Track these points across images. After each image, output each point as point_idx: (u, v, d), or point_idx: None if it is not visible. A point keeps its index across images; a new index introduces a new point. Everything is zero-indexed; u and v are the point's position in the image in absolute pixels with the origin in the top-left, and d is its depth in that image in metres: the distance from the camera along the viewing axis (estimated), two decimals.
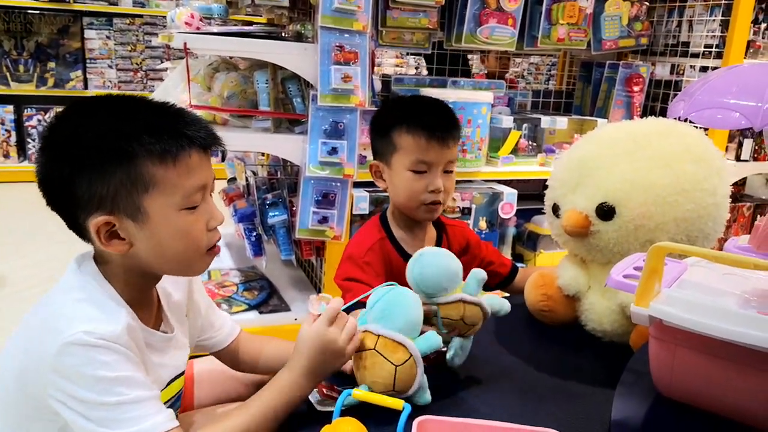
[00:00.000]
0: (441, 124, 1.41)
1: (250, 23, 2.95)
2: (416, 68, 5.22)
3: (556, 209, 1.32)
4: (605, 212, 1.19)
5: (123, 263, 0.94)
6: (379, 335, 0.96)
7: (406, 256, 1.39)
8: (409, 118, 1.40)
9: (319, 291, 2.59)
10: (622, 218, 1.18)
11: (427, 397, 0.99)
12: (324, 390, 1.03)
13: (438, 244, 1.49)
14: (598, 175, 1.22)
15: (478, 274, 1.10)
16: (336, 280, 1.41)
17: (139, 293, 0.99)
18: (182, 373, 1.09)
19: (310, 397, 1.01)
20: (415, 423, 0.79)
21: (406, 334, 0.97)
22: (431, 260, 1.07)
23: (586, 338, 1.27)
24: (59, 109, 3.69)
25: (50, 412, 0.88)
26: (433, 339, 0.99)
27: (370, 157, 2.37)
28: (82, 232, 0.93)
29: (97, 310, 0.90)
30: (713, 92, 0.76)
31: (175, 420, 0.89)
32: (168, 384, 1.03)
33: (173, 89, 2.53)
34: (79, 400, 0.85)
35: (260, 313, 2.41)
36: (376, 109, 2.53)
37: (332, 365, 0.97)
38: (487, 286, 1.19)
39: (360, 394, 0.89)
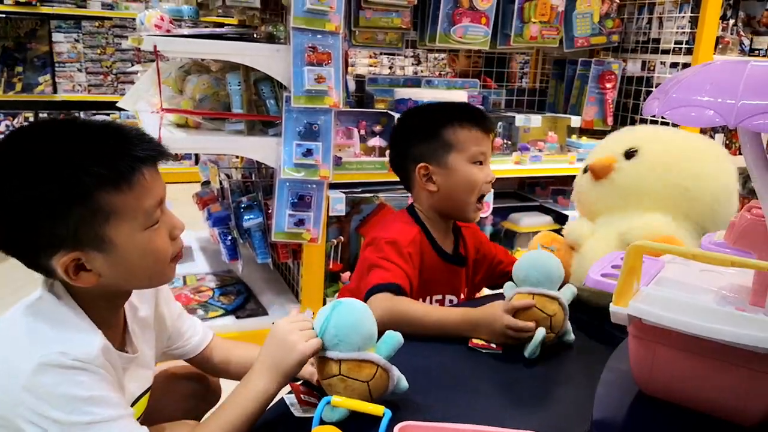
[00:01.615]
0: (485, 116, 1.49)
1: (222, 25, 2.92)
2: (390, 68, 5.21)
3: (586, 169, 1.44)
4: (629, 154, 1.33)
5: (91, 290, 0.91)
6: (339, 360, 0.94)
7: (440, 251, 1.46)
8: (456, 115, 1.45)
9: (296, 294, 2.57)
10: (644, 157, 1.32)
11: (403, 384, 0.98)
12: (302, 396, 1.01)
13: (456, 244, 1.52)
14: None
15: (572, 288, 1.21)
16: (369, 255, 1.38)
17: (108, 314, 0.97)
18: (148, 390, 1.07)
19: (288, 403, 1.00)
20: (396, 429, 0.78)
21: (365, 347, 0.96)
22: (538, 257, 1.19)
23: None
24: (28, 114, 3.63)
25: None
26: (393, 338, 0.97)
27: (346, 158, 2.38)
28: (47, 271, 0.90)
29: (72, 331, 0.88)
30: (687, 90, 0.75)
31: None
32: (134, 403, 1.01)
33: (144, 92, 2.49)
34: (52, 420, 0.82)
35: (237, 318, 2.38)
36: (352, 109, 2.54)
37: (286, 360, 0.94)
38: (497, 285, 1.37)
39: (340, 400, 0.88)
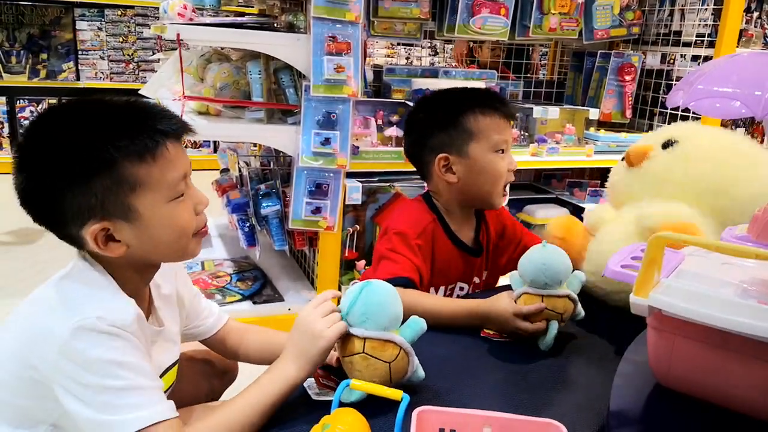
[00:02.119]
0: (506, 102, 1.44)
1: (242, 14, 2.92)
2: (407, 58, 5.20)
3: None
4: (667, 144, 1.30)
5: (120, 261, 0.94)
6: (365, 338, 0.96)
7: (456, 240, 1.43)
8: (476, 102, 1.40)
9: (312, 281, 2.59)
10: (680, 147, 1.28)
11: (420, 373, 0.99)
12: (320, 380, 1.03)
13: (478, 230, 1.49)
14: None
15: (579, 276, 1.19)
16: (380, 246, 1.38)
17: (136, 286, 1.00)
18: (175, 364, 1.09)
19: (306, 387, 1.01)
20: (414, 413, 0.78)
21: (390, 328, 0.97)
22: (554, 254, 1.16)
23: (584, 328, 1.27)
24: (52, 100, 3.70)
25: (50, 398, 0.88)
26: (417, 324, 0.99)
27: (363, 147, 2.39)
28: (76, 241, 0.93)
29: (108, 297, 0.91)
30: (712, 81, 0.75)
31: (175, 411, 0.89)
32: (162, 374, 1.04)
33: (166, 80, 2.51)
34: (83, 385, 0.85)
35: (254, 303, 2.41)
36: (370, 99, 2.55)
37: (313, 348, 0.95)
38: None
39: (359, 384, 0.89)
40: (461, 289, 1.47)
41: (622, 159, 1.40)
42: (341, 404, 0.88)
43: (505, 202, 1.47)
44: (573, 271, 1.18)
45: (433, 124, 1.42)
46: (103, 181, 0.88)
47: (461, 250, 1.45)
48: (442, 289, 1.44)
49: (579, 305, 1.17)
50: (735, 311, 0.74)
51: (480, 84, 2.70)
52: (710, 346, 0.80)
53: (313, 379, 1.02)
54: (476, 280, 1.51)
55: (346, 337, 0.97)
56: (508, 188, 1.56)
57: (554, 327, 1.14)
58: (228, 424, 0.91)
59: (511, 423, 0.79)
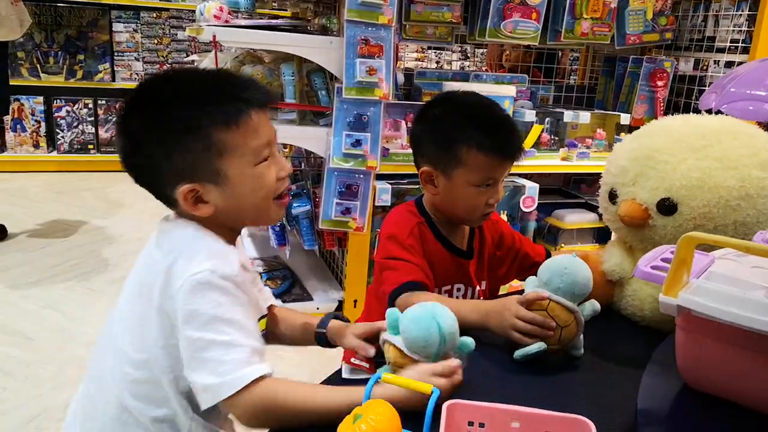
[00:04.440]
0: (513, 143, 1.36)
1: (276, 17, 2.97)
2: (437, 62, 5.22)
3: (613, 196, 1.31)
4: (667, 208, 1.19)
5: (208, 221, 1.01)
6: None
7: (445, 242, 1.41)
8: (480, 136, 1.30)
9: (340, 282, 2.61)
10: (683, 216, 1.18)
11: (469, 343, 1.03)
12: (352, 359, 1.06)
13: (471, 237, 1.47)
14: (663, 169, 1.21)
15: (594, 305, 1.13)
16: (377, 258, 1.39)
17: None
18: (265, 316, 1.17)
19: (343, 369, 1.06)
20: (444, 406, 0.80)
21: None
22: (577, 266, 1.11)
23: (614, 327, 1.27)
24: (88, 100, 3.77)
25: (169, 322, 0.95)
26: (467, 346, 1.03)
27: (393, 149, 2.41)
28: (170, 201, 1.01)
29: (218, 247, 0.99)
30: (745, 84, 0.76)
31: (270, 368, 0.94)
32: (259, 320, 1.10)
33: None
34: (185, 336, 0.92)
35: (283, 302, 2.44)
36: (400, 102, 2.57)
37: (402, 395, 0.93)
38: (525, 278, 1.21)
39: (390, 377, 0.91)
40: (458, 290, 1.45)
41: (611, 199, 1.32)
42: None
43: (481, 223, 1.43)
44: (591, 299, 1.13)
45: (430, 135, 1.38)
46: (193, 145, 0.96)
47: (451, 252, 1.42)
48: (436, 290, 1.41)
49: (581, 338, 1.11)
50: (764, 312, 0.75)
51: (511, 87, 2.71)
52: (739, 348, 0.81)
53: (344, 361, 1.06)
54: (476, 288, 1.47)
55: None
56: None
57: (536, 346, 1.08)
58: (312, 401, 0.93)
59: (540, 417, 0.80)
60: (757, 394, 0.83)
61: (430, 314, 0.98)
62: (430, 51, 5.16)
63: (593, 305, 1.11)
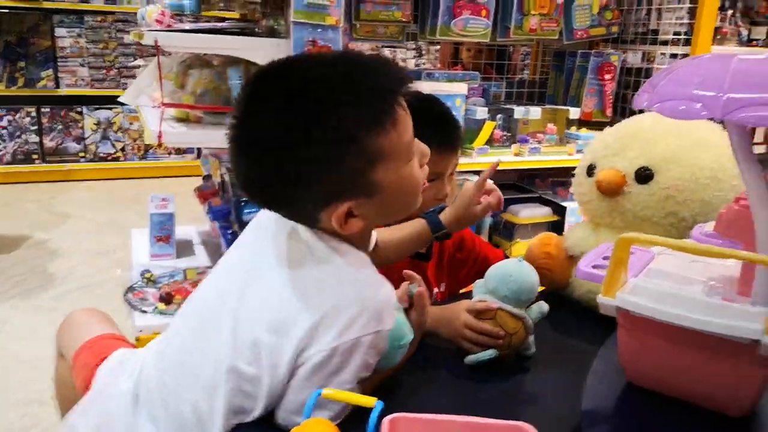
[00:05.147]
0: (452, 132, 1.37)
1: (223, 19, 2.92)
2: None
3: (591, 169, 1.35)
4: (644, 176, 1.25)
5: (354, 234, 0.88)
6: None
7: None
8: (419, 128, 1.33)
9: None
10: (658, 185, 1.24)
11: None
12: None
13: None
14: (646, 143, 1.29)
15: (542, 307, 1.12)
16: None
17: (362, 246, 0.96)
18: None
19: None
20: (385, 421, 0.79)
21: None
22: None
23: (557, 328, 1.28)
24: (30, 109, 3.63)
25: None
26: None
27: None
28: (308, 221, 0.88)
29: (375, 272, 0.89)
30: (676, 83, 0.76)
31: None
32: None
33: (145, 87, 2.50)
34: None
35: None
36: None
37: None
38: None
39: (330, 393, 0.89)
40: None
41: (588, 173, 1.35)
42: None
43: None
44: (539, 300, 1.13)
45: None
46: (348, 158, 0.80)
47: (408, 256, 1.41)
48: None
49: (532, 338, 1.12)
50: (698, 309, 0.75)
51: (463, 85, 2.70)
52: (677, 344, 0.82)
53: None
54: (434, 290, 1.48)
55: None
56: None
57: (487, 354, 1.08)
58: None
59: (482, 427, 0.79)
60: (697, 389, 0.84)
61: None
62: (384, 49, 5.16)
63: (540, 307, 1.12)
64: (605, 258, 0.98)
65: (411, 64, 5.47)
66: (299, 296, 0.84)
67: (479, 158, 2.61)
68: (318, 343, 0.83)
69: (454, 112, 2.47)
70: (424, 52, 5.64)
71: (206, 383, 0.90)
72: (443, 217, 1.23)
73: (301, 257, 0.88)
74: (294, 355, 0.84)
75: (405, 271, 1.04)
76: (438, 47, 4.70)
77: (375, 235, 1.05)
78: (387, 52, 5.21)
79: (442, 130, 1.33)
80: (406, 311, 1.00)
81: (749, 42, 3.02)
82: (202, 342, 0.92)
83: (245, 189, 0.88)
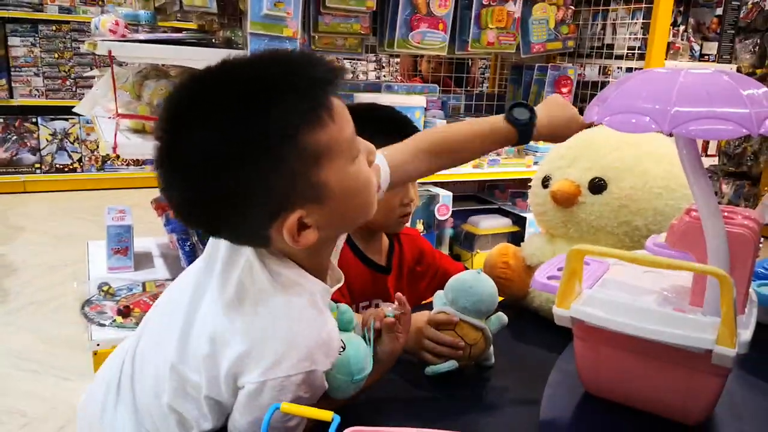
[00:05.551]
0: (408, 131, 1.31)
1: (180, 30, 2.89)
2: (353, 72, 5.23)
3: (546, 180, 1.36)
4: (597, 186, 1.27)
5: (310, 247, 0.81)
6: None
7: (362, 257, 1.40)
8: (374, 130, 1.19)
9: None
10: (611, 195, 1.26)
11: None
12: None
13: (391, 252, 1.47)
14: (598, 153, 1.30)
15: (501, 318, 1.11)
16: None
17: (323, 268, 0.90)
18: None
19: None
20: None
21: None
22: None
23: (517, 338, 1.28)
24: None
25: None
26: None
27: None
28: (258, 241, 0.80)
29: (316, 309, 0.82)
30: (625, 96, 0.78)
31: None
32: None
33: (101, 97, 2.45)
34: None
35: None
36: None
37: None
38: None
39: (288, 407, 0.88)
40: (376, 305, 1.43)
41: (543, 184, 1.36)
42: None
43: (401, 230, 1.45)
44: (498, 311, 1.13)
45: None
46: (289, 158, 0.73)
47: (368, 267, 1.42)
48: (356, 306, 1.40)
49: (491, 349, 1.12)
50: (651, 319, 0.77)
51: (421, 98, 2.72)
52: (632, 354, 0.83)
53: None
54: (394, 303, 1.48)
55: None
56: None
57: (451, 364, 1.07)
58: None
59: None
60: (653, 398, 0.85)
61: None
62: (344, 61, 5.17)
63: (500, 318, 1.12)
64: (560, 269, 0.99)
65: (371, 76, 5.50)
66: (236, 319, 0.81)
67: None
68: (249, 374, 0.80)
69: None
70: (384, 64, 5.67)
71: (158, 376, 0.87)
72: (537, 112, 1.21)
73: (248, 283, 0.83)
74: (230, 372, 0.81)
75: (398, 294, 1.03)
76: (398, 59, 4.73)
77: (340, 245, 1.01)
78: (347, 64, 5.22)
79: (394, 130, 1.27)
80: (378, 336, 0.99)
81: (701, 57, 3.10)
82: (159, 336, 0.90)
83: (182, 214, 0.80)
